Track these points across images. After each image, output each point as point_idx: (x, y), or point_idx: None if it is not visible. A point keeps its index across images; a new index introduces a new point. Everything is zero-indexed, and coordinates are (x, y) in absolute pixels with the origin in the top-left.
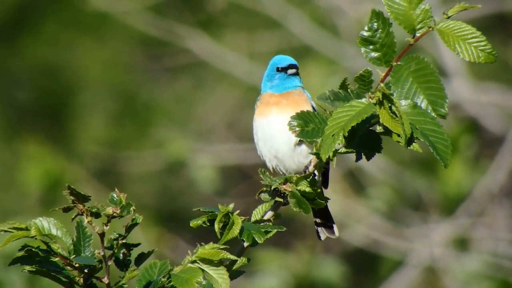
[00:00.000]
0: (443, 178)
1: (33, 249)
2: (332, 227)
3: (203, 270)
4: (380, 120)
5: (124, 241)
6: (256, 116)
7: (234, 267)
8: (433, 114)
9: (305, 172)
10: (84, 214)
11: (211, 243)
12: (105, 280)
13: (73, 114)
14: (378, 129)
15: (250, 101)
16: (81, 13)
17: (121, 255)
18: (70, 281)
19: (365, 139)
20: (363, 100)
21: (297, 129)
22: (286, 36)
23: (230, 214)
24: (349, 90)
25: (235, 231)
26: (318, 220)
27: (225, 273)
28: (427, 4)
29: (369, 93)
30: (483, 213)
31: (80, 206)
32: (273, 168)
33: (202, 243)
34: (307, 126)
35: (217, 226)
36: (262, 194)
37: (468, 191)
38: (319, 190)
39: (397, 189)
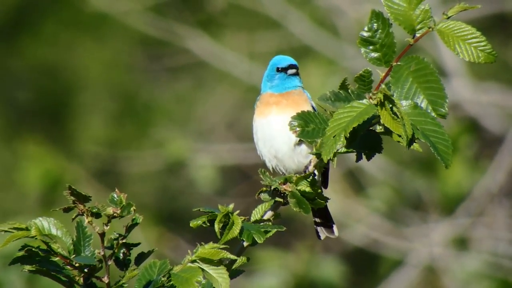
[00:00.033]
0: (443, 177)
1: (33, 249)
2: (332, 226)
3: (203, 270)
4: (381, 121)
5: (124, 241)
6: (256, 116)
7: (233, 267)
8: (433, 114)
9: (305, 172)
10: (85, 214)
11: (211, 242)
12: (105, 279)
13: (73, 114)
14: (378, 128)
15: (250, 101)
16: (81, 13)
17: (121, 254)
18: (70, 281)
19: (365, 139)
20: (364, 101)
21: (298, 129)
22: (286, 36)
23: (230, 214)
24: (349, 90)
25: (235, 231)
26: (317, 220)
27: (225, 273)
28: (427, 5)
29: (370, 93)
30: (483, 213)
31: (81, 207)
32: (273, 168)
33: (202, 242)
34: (308, 126)
35: (217, 226)
36: (262, 194)
37: (468, 191)
38: (319, 190)
39: (397, 189)
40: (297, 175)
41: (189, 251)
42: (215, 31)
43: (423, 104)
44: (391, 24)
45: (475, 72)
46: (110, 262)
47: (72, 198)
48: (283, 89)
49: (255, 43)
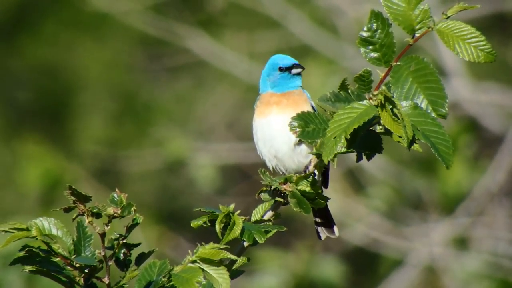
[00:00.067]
0: (442, 177)
1: (33, 249)
2: (332, 226)
3: (203, 270)
4: (382, 122)
5: (124, 241)
6: (256, 116)
7: (234, 267)
8: (433, 114)
9: (305, 172)
10: (85, 214)
11: (212, 243)
12: (106, 280)
13: (73, 114)
14: (378, 128)
15: (250, 101)
16: (81, 13)
17: (122, 255)
18: (71, 281)
19: (365, 139)
20: (365, 102)
21: (298, 130)
22: (285, 36)
23: (231, 214)
24: (349, 91)
25: (236, 231)
26: (318, 220)
27: (226, 273)
28: (426, 5)
29: (370, 94)
30: (483, 213)
31: (81, 207)
32: (273, 168)
33: (203, 243)
34: (308, 127)
35: (218, 227)
36: (262, 194)
37: (468, 190)
38: (319, 190)
39: (396, 189)
40: (297, 175)
41: (189, 251)
42: (215, 31)
43: (423, 104)
44: (391, 24)
45: (475, 72)
46: (111, 263)
47: (73, 198)
48: (285, 88)
49: (255, 43)
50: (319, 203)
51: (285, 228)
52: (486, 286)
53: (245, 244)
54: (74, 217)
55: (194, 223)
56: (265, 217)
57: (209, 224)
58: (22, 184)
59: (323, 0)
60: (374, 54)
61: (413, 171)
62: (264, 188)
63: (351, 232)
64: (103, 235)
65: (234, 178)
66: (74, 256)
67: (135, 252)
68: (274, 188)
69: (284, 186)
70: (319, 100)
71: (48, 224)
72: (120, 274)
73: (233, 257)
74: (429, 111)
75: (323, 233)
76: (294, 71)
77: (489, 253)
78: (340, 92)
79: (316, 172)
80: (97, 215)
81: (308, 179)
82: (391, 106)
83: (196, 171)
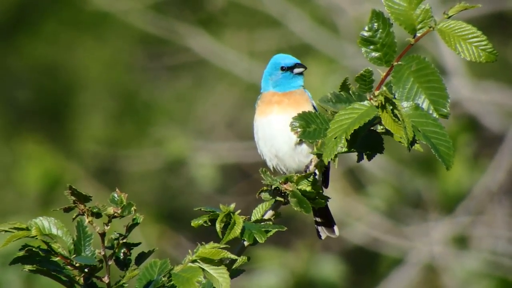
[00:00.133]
0: (442, 176)
1: (33, 249)
2: (333, 226)
3: (203, 270)
4: (382, 123)
5: (124, 240)
6: (257, 115)
7: (234, 266)
8: (434, 114)
9: (305, 171)
10: (85, 214)
11: (212, 242)
12: (106, 279)
13: (73, 113)
14: (379, 128)
15: (250, 100)
16: (81, 12)
17: (122, 254)
18: (71, 281)
19: (366, 139)
20: (365, 102)
21: (299, 130)
22: (286, 35)
23: (231, 213)
24: (350, 91)
25: (237, 231)
26: (318, 219)
27: (226, 272)
28: (427, 4)
29: (371, 94)
30: (483, 212)
31: (81, 206)
32: (273, 167)
33: (203, 242)
34: (309, 127)
35: (218, 226)
36: (263, 193)
37: (468, 189)
38: (320, 190)
39: (397, 188)
40: (298, 174)
41: (189, 250)
42: (215, 30)
43: (425, 104)
44: (392, 23)
45: (475, 71)
46: (111, 262)
47: (73, 198)
48: (287, 88)
49: (255, 42)
50: (319, 203)
51: (286, 228)
52: (485, 285)
53: (245, 243)
54: (74, 216)
55: (195, 223)
56: (266, 217)
57: (209, 223)
58: (22, 183)
59: None
60: (375, 54)
61: (413, 170)
62: (265, 188)
63: (351, 231)
64: (103, 235)
65: (234, 177)
66: (74, 255)
67: (135, 252)
68: (275, 188)
69: (285, 186)
70: (320, 101)
71: (48, 223)
72: (120, 273)
73: (233, 256)
74: (430, 111)
75: (323, 232)
76: (296, 70)
77: (489, 252)
78: (341, 92)
79: (316, 171)
80: (97, 215)
81: (308, 179)
82: (391, 107)
83: (196, 170)
